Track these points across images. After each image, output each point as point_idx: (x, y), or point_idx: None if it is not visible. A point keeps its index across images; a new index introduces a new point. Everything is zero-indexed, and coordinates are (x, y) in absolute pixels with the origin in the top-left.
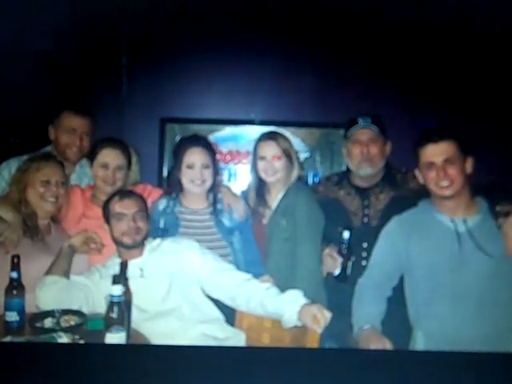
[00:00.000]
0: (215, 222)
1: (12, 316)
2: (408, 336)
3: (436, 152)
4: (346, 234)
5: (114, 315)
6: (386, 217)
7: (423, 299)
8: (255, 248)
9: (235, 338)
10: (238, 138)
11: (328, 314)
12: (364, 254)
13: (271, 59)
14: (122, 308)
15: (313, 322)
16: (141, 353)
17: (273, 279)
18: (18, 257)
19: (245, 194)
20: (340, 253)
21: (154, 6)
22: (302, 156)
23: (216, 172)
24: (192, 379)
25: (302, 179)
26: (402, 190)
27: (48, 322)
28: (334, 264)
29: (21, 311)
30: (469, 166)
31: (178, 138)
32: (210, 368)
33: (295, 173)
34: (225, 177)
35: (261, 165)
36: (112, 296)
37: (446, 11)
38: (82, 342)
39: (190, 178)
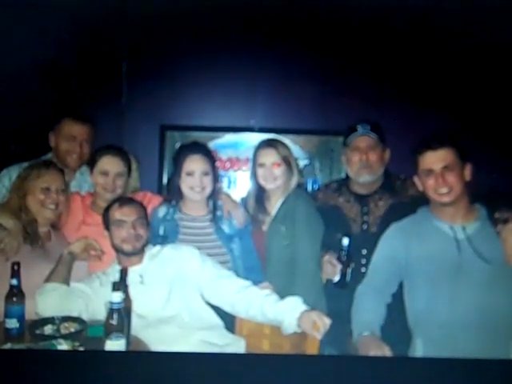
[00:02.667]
0: (215, 229)
1: (12, 323)
2: (407, 343)
3: (435, 159)
4: (346, 241)
5: (114, 322)
6: (385, 224)
7: (422, 306)
8: (255, 255)
9: (235, 345)
10: (238, 145)
11: (327, 321)
12: (363, 261)
13: (271, 66)
14: (121, 315)
15: (312, 328)
16: (140, 360)
17: (272, 286)
18: (18, 264)
19: (244, 201)
20: (339, 260)
21: (155, 14)
22: (302, 163)
23: (216, 179)
24: None
25: (301, 186)
26: (401, 197)
27: (48, 329)
28: (333, 271)
29: (21, 318)
30: (468, 173)
31: (177, 146)
32: (210, 375)
33: (295, 180)
34: (224, 184)
35: (260, 172)
36: (112, 303)
37: (444, 19)
38: (81, 348)
39: (189, 185)
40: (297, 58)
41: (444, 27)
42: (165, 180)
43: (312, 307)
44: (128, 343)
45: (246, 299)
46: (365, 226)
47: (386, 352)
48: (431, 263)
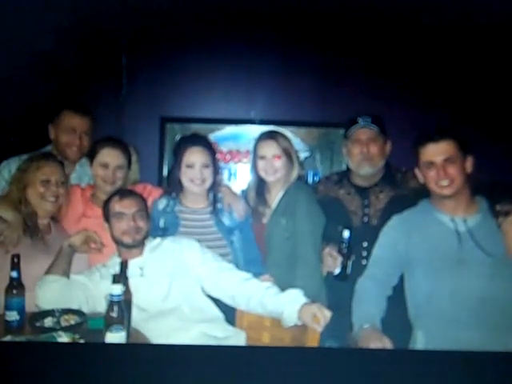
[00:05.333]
0: (215, 222)
1: (12, 315)
2: (408, 335)
3: (436, 151)
4: (346, 234)
5: (114, 314)
6: (385, 216)
7: (423, 298)
8: (255, 247)
9: (235, 337)
10: (238, 137)
11: (328, 313)
12: (364, 253)
13: (271, 58)
14: (122, 307)
15: (313, 321)
16: (141, 352)
17: (273, 278)
18: (18, 256)
19: (245, 194)
20: (340, 252)
21: (154, 6)
22: (302, 155)
23: (216, 171)
24: (192, 378)
25: (301, 178)
26: (402, 190)
27: (48, 322)
28: (334, 263)
29: (21, 310)
30: (469, 165)
31: (178, 138)
32: (210, 367)
33: (295, 172)
34: (225, 176)
35: (261, 164)
36: (112, 295)
37: (446, 11)
38: (82, 341)
39: (189, 178)
40: (298, 49)
41: (445, 19)
42: (165, 172)
43: (312, 300)
44: (128, 335)
45: (247, 292)
46: (365, 219)
47: (387, 344)
48: (432, 255)
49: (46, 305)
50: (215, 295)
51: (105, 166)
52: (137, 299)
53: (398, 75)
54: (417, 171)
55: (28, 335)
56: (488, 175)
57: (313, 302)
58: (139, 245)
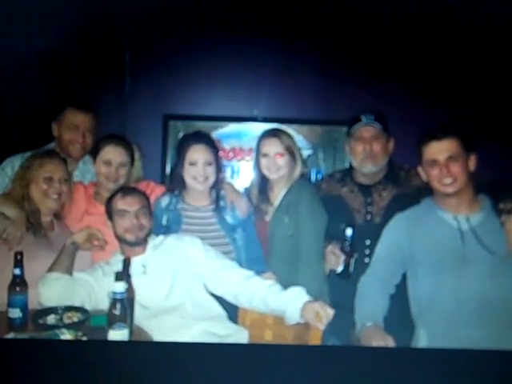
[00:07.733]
0: (218, 219)
1: (15, 313)
2: (410, 333)
3: (439, 149)
4: (349, 231)
5: (117, 312)
6: (388, 214)
7: (426, 297)
8: (258, 245)
9: (238, 335)
10: (241, 134)
11: (330, 311)
12: (367, 252)
13: (274, 56)
14: (124, 305)
15: (315, 318)
16: (143, 349)
17: (275, 276)
18: (21, 253)
19: (248, 191)
20: (343, 250)
21: (157, 3)
22: (305, 153)
23: (219, 169)
24: (194, 376)
25: (304, 176)
26: (405, 188)
27: (51, 319)
28: (336, 261)
29: (24, 308)
30: (472, 163)
31: (180, 135)
32: (213, 365)
33: (298, 170)
34: (228, 174)
35: (264, 162)
36: (115, 293)
37: (448, 9)
38: (84, 338)
39: (192, 175)
40: (301, 47)
41: (448, 17)
42: (168, 170)
43: (315, 298)
44: (131, 333)
45: (249, 289)
46: (368, 217)
47: (389, 343)
48: (435, 254)
49: (48, 302)
50: (218, 293)
51: (108, 163)
52: (139, 297)
53: (401, 73)
54: (420, 169)
55: (31, 332)
56: (491, 173)
57: (315, 300)
58: (142, 242)
